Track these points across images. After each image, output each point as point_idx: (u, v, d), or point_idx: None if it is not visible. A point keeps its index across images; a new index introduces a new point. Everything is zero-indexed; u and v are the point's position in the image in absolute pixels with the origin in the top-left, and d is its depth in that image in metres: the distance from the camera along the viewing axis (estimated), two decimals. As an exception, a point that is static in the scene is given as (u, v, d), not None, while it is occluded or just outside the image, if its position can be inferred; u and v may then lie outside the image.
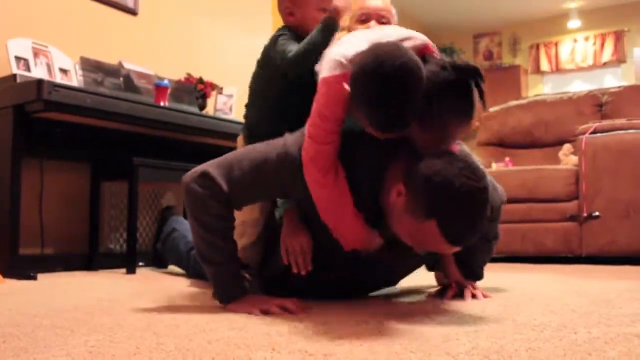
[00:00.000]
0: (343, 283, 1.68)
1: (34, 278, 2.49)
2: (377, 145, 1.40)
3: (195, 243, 1.52)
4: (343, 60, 1.38)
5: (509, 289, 1.93)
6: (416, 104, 1.27)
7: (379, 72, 1.25)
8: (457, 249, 1.30)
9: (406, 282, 2.00)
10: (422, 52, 1.40)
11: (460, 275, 1.73)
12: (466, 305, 1.52)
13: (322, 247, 1.55)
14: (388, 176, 1.40)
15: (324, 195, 1.43)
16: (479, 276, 1.74)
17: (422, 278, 2.23)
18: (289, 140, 1.48)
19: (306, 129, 1.44)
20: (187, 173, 1.50)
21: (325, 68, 1.42)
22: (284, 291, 1.61)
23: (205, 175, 1.47)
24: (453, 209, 1.23)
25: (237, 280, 1.49)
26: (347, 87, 1.33)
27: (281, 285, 1.71)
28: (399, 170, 1.36)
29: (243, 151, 1.54)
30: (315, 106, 1.42)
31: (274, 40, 1.80)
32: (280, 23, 1.92)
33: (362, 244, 1.48)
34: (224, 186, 1.45)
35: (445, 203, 1.22)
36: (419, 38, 1.44)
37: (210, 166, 1.49)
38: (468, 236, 1.26)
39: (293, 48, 1.70)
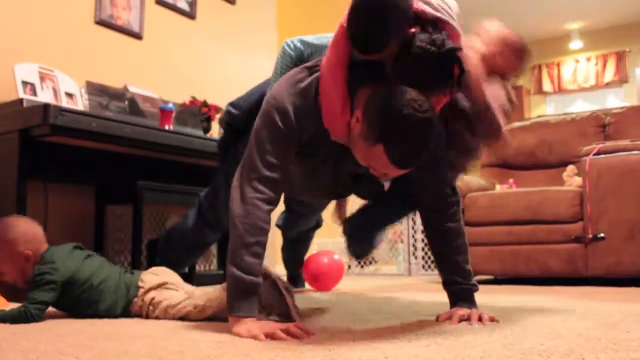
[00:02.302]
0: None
1: (38, 302, 2.48)
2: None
3: (229, 246, 1.53)
4: None
5: (515, 311, 1.91)
6: (391, 26, 1.43)
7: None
8: (404, 171, 1.45)
9: (411, 308, 1.98)
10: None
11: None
12: (473, 329, 1.51)
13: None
14: (355, 100, 1.51)
15: (338, 94, 1.52)
16: (472, 286, 1.74)
17: (427, 300, 2.22)
18: (268, 91, 1.64)
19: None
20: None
21: None
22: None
23: (244, 180, 1.54)
24: (398, 135, 1.36)
25: (251, 294, 1.50)
26: None
27: None
28: (363, 97, 1.47)
29: (250, 138, 1.61)
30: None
31: None
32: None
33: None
34: (263, 170, 1.53)
35: (391, 130, 1.36)
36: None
37: (242, 172, 1.57)
38: (411, 161, 1.41)
39: None
